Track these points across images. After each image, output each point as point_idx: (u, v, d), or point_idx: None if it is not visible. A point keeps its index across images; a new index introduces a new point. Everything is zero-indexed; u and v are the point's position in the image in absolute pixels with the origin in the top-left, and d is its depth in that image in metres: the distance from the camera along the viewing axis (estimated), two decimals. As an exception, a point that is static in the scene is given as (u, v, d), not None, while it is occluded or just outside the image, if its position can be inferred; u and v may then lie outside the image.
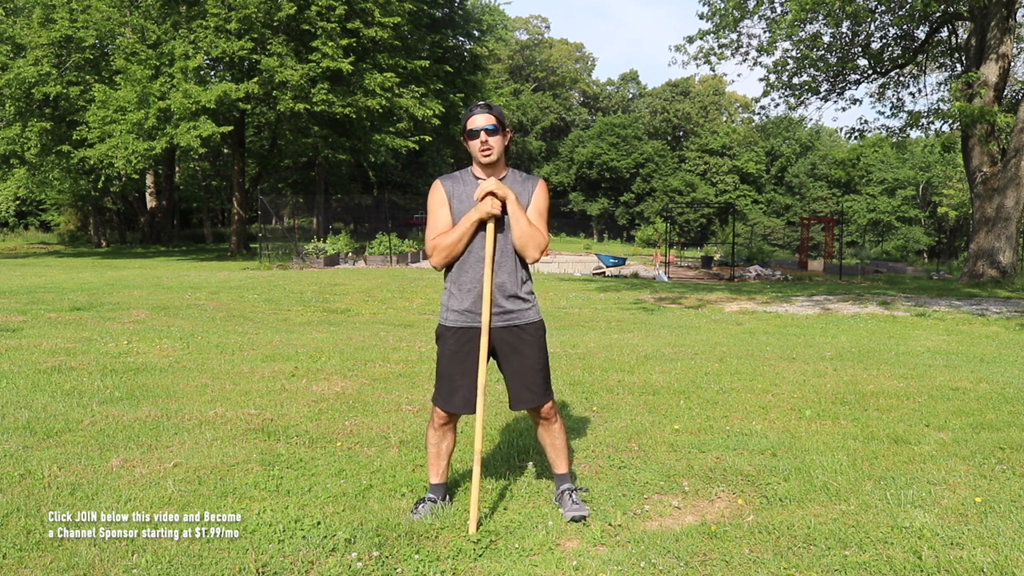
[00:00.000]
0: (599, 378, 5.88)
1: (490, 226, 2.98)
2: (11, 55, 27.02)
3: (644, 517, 3.16)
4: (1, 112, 27.92)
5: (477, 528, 2.97)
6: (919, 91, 32.88)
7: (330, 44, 25.02)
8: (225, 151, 38.83)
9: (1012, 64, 20.48)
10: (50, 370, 5.74)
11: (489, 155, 2.99)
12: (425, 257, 3.20)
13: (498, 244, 3.03)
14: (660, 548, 2.85)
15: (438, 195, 3.07)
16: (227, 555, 2.75)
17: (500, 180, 3.05)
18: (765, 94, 21.31)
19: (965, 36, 20.98)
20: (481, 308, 3.03)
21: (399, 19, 26.74)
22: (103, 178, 29.30)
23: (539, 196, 3.08)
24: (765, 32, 19.62)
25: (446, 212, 3.05)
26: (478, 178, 3.07)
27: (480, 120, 2.98)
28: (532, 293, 3.15)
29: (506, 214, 3.00)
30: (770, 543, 2.91)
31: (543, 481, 3.53)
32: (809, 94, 21.43)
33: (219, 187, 46.75)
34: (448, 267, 3.09)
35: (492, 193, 2.94)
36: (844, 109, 62.12)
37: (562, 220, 63.36)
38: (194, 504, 3.18)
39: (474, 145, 3.00)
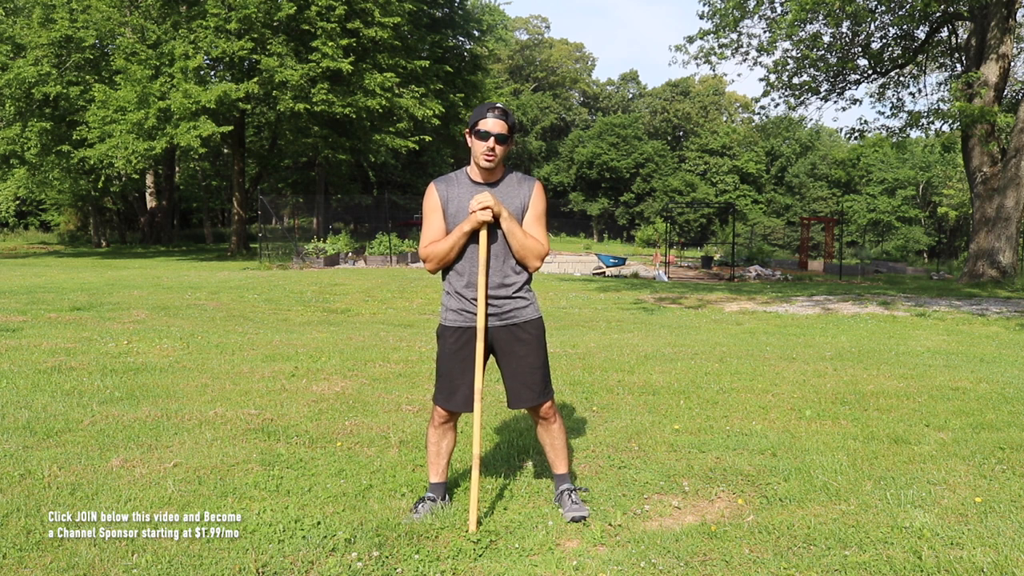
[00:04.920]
0: (599, 378, 5.88)
1: (482, 232, 2.98)
2: (11, 55, 27.02)
3: (644, 517, 3.16)
4: (1, 112, 27.90)
5: (477, 527, 2.97)
6: (919, 91, 32.99)
7: (330, 44, 25.02)
8: (225, 151, 38.82)
9: (1012, 64, 20.48)
10: (50, 370, 5.74)
11: (491, 162, 2.97)
12: (425, 258, 3.21)
13: (496, 243, 3.04)
14: (660, 548, 2.85)
15: (432, 200, 3.06)
16: (227, 555, 2.75)
17: (497, 182, 3.06)
18: (765, 94, 21.32)
19: (965, 36, 20.99)
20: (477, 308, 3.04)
21: (399, 19, 26.74)
22: (103, 178, 29.30)
23: (536, 199, 3.07)
24: (765, 32, 19.65)
25: (439, 218, 3.05)
26: (475, 181, 3.05)
27: (494, 125, 2.94)
28: (531, 291, 3.15)
29: (499, 227, 3.00)
30: (770, 543, 2.91)
31: (543, 481, 3.53)
32: (809, 94, 21.44)
33: (219, 187, 46.74)
34: (445, 268, 3.10)
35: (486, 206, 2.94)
36: (844, 109, 62.34)
37: (562, 220, 63.36)
38: (194, 504, 3.18)
39: (479, 146, 2.96)
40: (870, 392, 5.46)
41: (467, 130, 3.03)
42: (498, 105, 2.99)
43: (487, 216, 2.93)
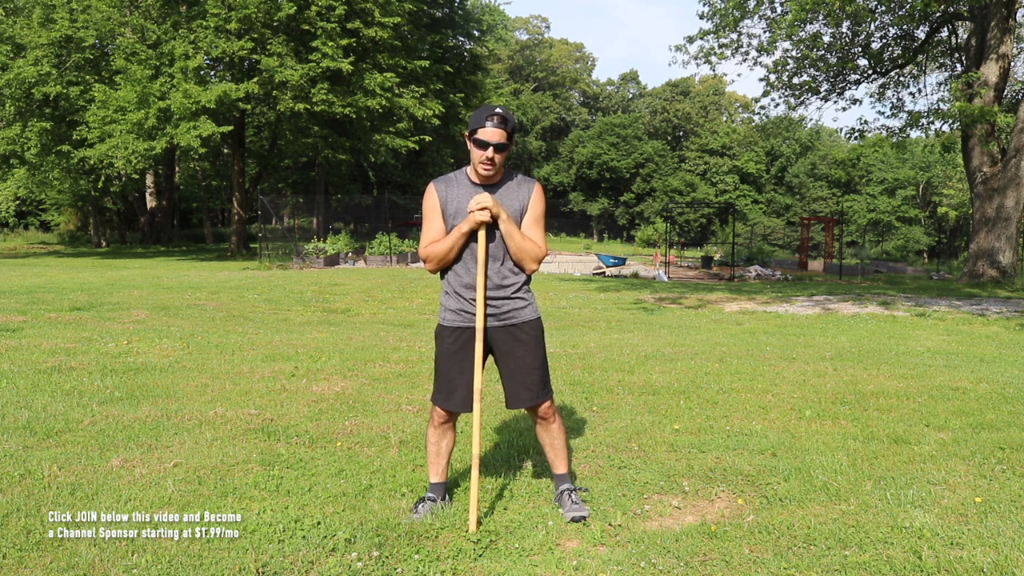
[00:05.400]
0: (599, 378, 5.88)
1: (481, 233, 2.97)
2: (11, 55, 27.02)
3: (644, 517, 3.16)
4: (1, 112, 27.91)
5: (477, 527, 2.97)
6: (919, 91, 33.01)
7: (330, 44, 25.02)
8: (225, 151, 38.83)
9: (1012, 64, 20.48)
10: (50, 370, 5.74)
11: (490, 171, 2.97)
12: (424, 258, 3.20)
13: (494, 244, 3.03)
14: (660, 548, 2.85)
15: (431, 200, 3.06)
16: (227, 555, 2.75)
17: (496, 183, 3.05)
18: (765, 94, 21.33)
19: (965, 36, 20.99)
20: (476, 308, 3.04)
21: (399, 19, 26.75)
22: (103, 178, 29.30)
23: (535, 202, 3.07)
24: (765, 32, 19.66)
25: (439, 218, 3.04)
26: (474, 182, 3.05)
27: (493, 134, 2.91)
28: (529, 292, 3.15)
29: (498, 229, 3.00)
30: (770, 543, 2.91)
31: (543, 481, 3.53)
32: (809, 94, 21.45)
33: (219, 187, 46.75)
34: (445, 269, 3.10)
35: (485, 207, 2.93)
36: (844, 109, 62.36)
37: (562, 220, 63.36)
38: (194, 504, 3.18)
39: (478, 154, 2.95)
40: (870, 392, 5.46)
41: (466, 133, 3.01)
42: (497, 111, 2.94)
43: (485, 216, 2.92)
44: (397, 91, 27.54)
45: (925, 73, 23.21)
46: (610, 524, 3.07)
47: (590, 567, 2.73)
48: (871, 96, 24.98)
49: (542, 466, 3.66)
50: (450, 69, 31.58)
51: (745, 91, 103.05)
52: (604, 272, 24.46)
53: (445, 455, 3.22)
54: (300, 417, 4.60)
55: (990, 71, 18.31)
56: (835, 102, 25.04)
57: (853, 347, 7.86)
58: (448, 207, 3.03)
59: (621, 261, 26.61)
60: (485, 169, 2.96)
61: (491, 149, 2.92)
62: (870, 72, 22.05)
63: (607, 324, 10.13)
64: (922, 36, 21.68)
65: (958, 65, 21.96)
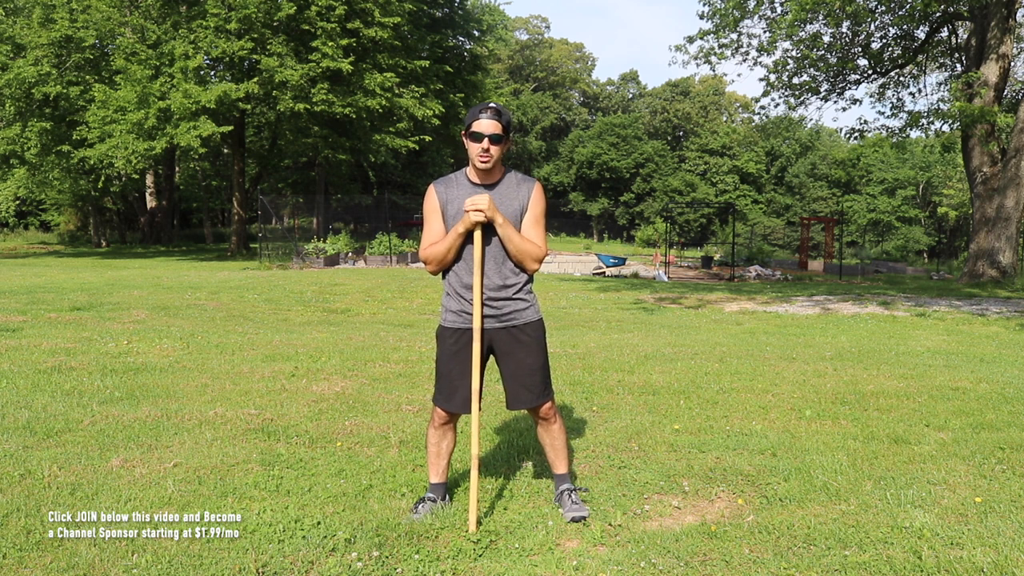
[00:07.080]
0: (599, 378, 5.88)
1: (477, 233, 2.97)
2: (11, 55, 27.02)
3: (644, 517, 3.16)
4: (1, 112, 27.90)
5: (477, 527, 2.97)
6: (919, 91, 33.01)
7: (330, 44, 25.02)
8: (225, 151, 38.83)
9: (1012, 64, 20.49)
10: (50, 370, 5.74)
11: (487, 163, 2.96)
12: (425, 258, 3.20)
13: (494, 245, 3.03)
14: (660, 548, 2.85)
15: (431, 202, 3.06)
16: (227, 555, 2.75)
17: (496, 183, 3.05)
18: (765, 94, 21.32)
19: (965, 36, 20.99)
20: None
21: (399, 19, 26.75)
22: (103, 178, 29.30)
23: (535, 201, 3.06)
24: (765, 32, 19.66)
25: (439, 219, 3.04)
26: (473, 183, 3.05)
27: (488, 126, 2.93)
28: (531, 293, 3.15)
29: (495, 233, 2.99)
30: (770, 543, 2.91)
31: (543, 481, 3.53)
32: (809, 94, 21.44)
33: (219, 187, 46.75)
34: (445, 270, 3.10)
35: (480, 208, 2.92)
36: (844, 109, 62.42)
37: (562, 220, 63.37)
38: (194, 504, 3.18)
39: (474, 148, 2.95)
40: (870, 392, 5.46)
41: (463, 132, 3.02)
42: (491, 105, 2.97)
43: (479, 217, 2.91)
44: (397, 91, 27.54)
45: (925, 73, 23.22)
46: (610, 524, 3.07)
47: (590, 567, 2.73)
48: (871, 96, 25.00)
49: (542, 466, 3.66)
50: (450, 69, 31.58)
51: (745, 91, 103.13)
52: (604, 272, 24.45)
53: (445, 456, 3.22)
54: (300, 417, 4.60)
55: (990, 71, 18.31)
56: (835, 102, 25.06)
57: (853, 347, 7.86)
58: (448, 208, 3.04)
59: (621, 261, 26.61)
60: (482, 161, 2.95)
61: (486, 140, 2.93)
62: (870, 72, 22.05)
63: (607, 324, 10.13)
64: (922, 36, 21.68)
65: (958, 65, 21.96)
